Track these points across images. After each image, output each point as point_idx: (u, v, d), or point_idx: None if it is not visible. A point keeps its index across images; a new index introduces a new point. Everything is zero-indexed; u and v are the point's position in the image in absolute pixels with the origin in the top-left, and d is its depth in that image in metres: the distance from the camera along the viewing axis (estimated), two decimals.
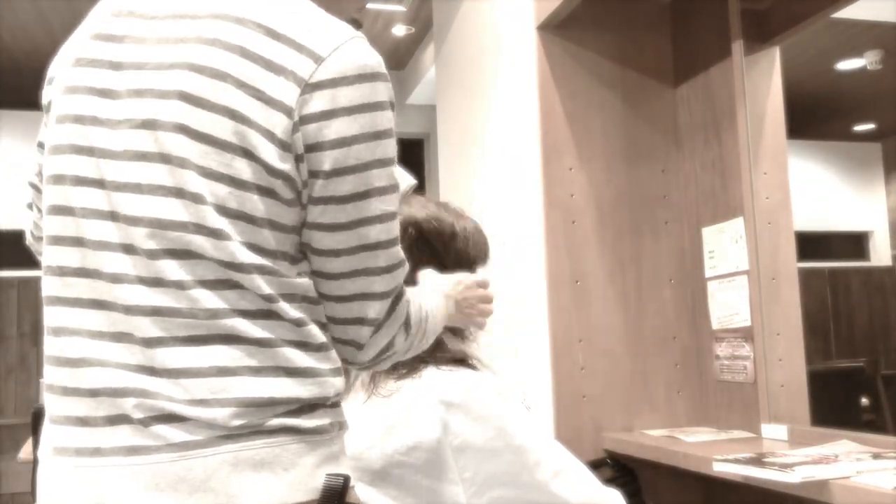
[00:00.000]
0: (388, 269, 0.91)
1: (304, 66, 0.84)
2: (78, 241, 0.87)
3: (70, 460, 0.85)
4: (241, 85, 0.83)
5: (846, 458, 1.34)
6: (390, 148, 0.88)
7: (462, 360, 1.32)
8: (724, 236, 1.86)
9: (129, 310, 0.84)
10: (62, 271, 0.88)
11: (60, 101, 0.91)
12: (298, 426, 0.85)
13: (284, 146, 0.83)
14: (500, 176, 2.28)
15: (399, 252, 0.92)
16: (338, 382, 0.89)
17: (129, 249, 0.85)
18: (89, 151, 0.87)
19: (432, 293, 1.13)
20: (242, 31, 0.85)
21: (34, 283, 0.96)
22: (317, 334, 0.88)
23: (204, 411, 0.82)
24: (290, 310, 0.86)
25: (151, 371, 0.83)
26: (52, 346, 0.88)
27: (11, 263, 5.29)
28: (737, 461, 1.37)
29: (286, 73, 0.83)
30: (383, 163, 0.87)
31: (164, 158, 0.84)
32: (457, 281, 1.24)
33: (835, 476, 1.21)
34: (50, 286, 0.89)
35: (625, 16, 2.02)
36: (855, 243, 3.39)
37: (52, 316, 0.89)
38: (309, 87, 0.83)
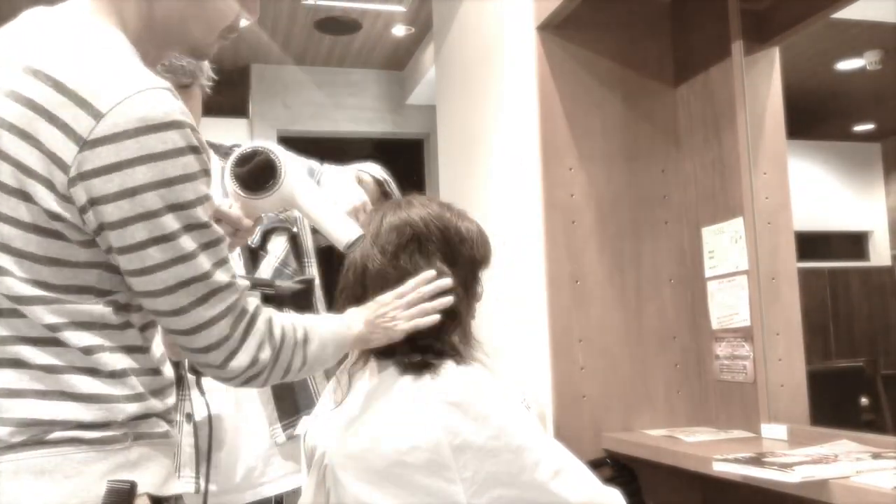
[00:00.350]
0: (212, 294, 0.94)
1: (83, 123, 0.86)
2: None
3: None
4: (25, 136, 0.87)
5: (846, 457, 1.34)
6: (188, 191, 0.90)
7: (472, 358, 1.33)
8: (723, 236, 1.86)
9: None
10: None
11: None
12: (83, 437, 0.89)
13: (64, 198, 0.87)
14: (500, 176, 2.28)
15: (220, 276, 0.95)
16: (131, 408, 0.93)
17: None
18: None
19: (331, 320, 1.18)
20: (35, 84, 0.88)
21: None
22: (109, 362, 0.92)
23: None
24: (78, 338, 0.90)
25: None
26: None
27: None
28: (736, 461, 1.37)
29: (66, 129, 0.86)
30: (180, 206, 0.90)
31: None
32: (374, 302, 1.26)
33: (834, 476, 1.21)
34: None
35: (625, 16, 2.02)
36: (854, 243, 3.40)
37: None
38: (88, 144, 0.86)
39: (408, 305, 1.26)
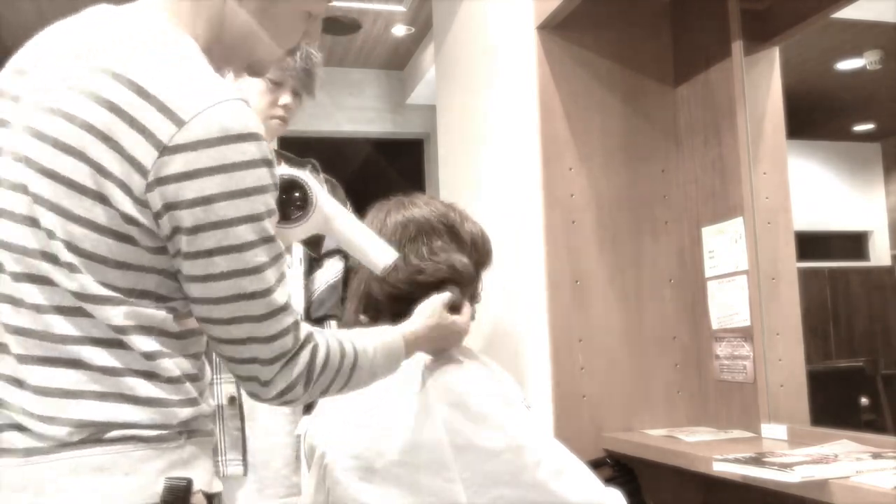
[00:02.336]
0: (270, 315, 0.95)
1: (165, 129, 0.87)
2: None
3: None
4: (105, 139, 0.88)
5: (846, 457, 1.34)
6: (260, 204, 0.91)
7: (472, 358, 1.33)
8: (724, 236, 1.86)
9: (3, 326, 0.92)
10: None
11: None
12: (139, 435, 0.90)
13: (140, 202, 0.88)
14: (499, 176, 2.28)
15: (281, 294, 0.95)
16: (184, 412, 0.94)
17: (1, 269, 0.92)
18: None
19: (387, 333, 1.17)
20: (117, 87, 0.89)
21: None
22: (168, 368, 0.93)
23: (47, 428, 0.88)
24: (141, 342, 0.91)
25: (19, 384, 0.90)
26: None
27: None
28: (737, 461, 1.37)
29: (146, 134, 0.87)
30: (252, 218, 0.91)
31: (27, 193, 0.90)
32: (428, 314, 1.28)
33: (835, 476, 1.21)
34: None
35: (625, 16, 2.02)
36: (855, 243, 3.40)
37: None
38: (167, 150, 0.87)
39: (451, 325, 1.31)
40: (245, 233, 0.90)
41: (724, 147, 1.86)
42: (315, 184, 1.25)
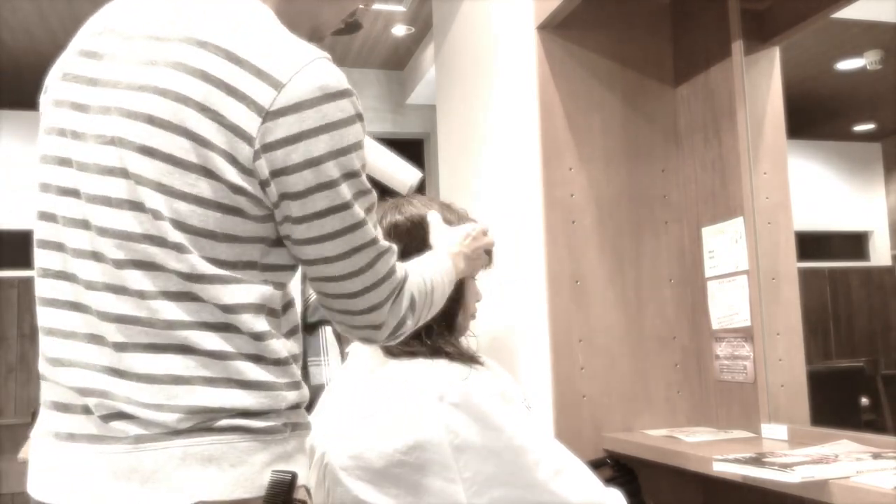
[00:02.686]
0: (379, 257, 0.96)
1: (264, 94, 0.86)
2: (59, 247, 0.93)
3: (51, 441, 0.92)
4: (203, 109, 0.86)
5: (846, 458, 1.34)
6: (357, 159, 0.92)
7: (472, 358, 1.33)
8: (724, 236, 1.86)
9: (101, 315, 0.89)
10: (46, 273, 0.94)
11: (48, 114, 0.97)
12: (248, 426, 0.89)
13: (246, 171, 0.86)
14: (500, 176, 2.28)
15: (381, 243, 0.98)
16: (291, 396, 0.93)
17: (98, 258, 0.89)
18: (68, 163, 0.92)
19: (438, 260, 1.21)
20: (205, 55, 0.87)
21: (34, 284, 1.01)
22: (276, 349, 0.92)
23: (156, 415, 0.87)
24: (251, 322, 0.90)
25: (119, 373, 0.88)
26: (42, 343, 0.95)
27: (11, 263, 5.29)
28: (737, 461, 1.37)
29: (247, 101, 0.85)
30: (353, 174, 0.91)
31: (126, 175, 0.88)
32: (464, 234, 1.35)
33: (835, 476, 1.21)
34: (39, 287, 0.95)
35: (625, 16, 2.02)
36: (855, 243, 3.40)
37: (40, 316, 0.95)
38: (270, 115, 0.86)
39: (486, 246, 1.40)
40: (348, 190, 0.91)
41: (724, 147, 1.86)
42: None
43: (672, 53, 2.04)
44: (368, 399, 1.28)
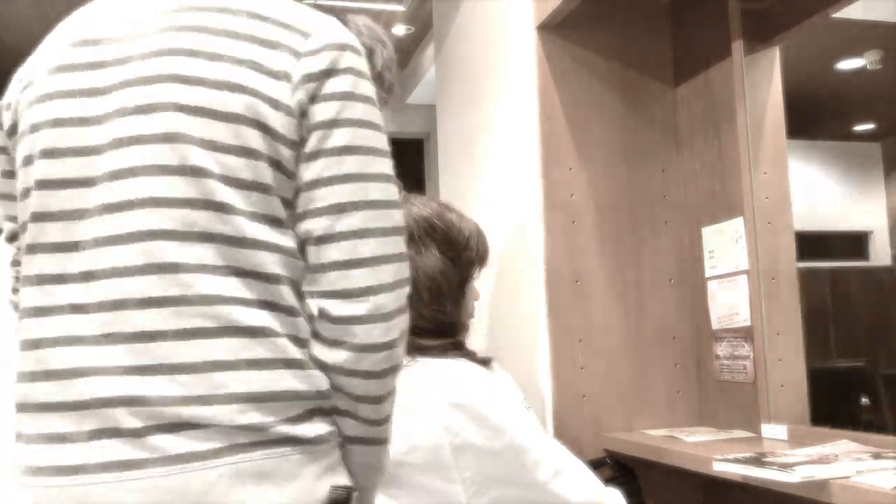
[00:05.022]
0: (393, 231, 0.89)
1: (295, 40, 0.88)
2: (57, 247, 0.85)
3: (49, 480, 0.80)
4: (239, 62, 0.86)
5: (846, 457, 1.34)
6: (380, 122, 0.93)
7: (481, 359, 1.33)
8: (724, 236, 1.86)
9: (119, 304, 0.80)
10: (41, 279, 0.85)
11: (30, 114, 0.90)
12: (299, 436, 0.83)
13: (289, 111, 0.86)
14: (499, 176, 2.28)
15: (401, 219, 0.91)
16: (324, 382, 0.87)
17: (119, 239, 0.82)
18: (76, 152, 0.86)
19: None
20: (228, 17, 0.88)
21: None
22: (304, 328, 0.88)
23: (203, 409, 0.78)
24: (289, 296, 0.86)
25: (144, 370, 0.79)
26: (28, 360, 0.84)
27: None
28: (737, 461, 1.37)
29: (280, 47, 0.88)
30: (376, 125, 0.92)
31: (163, 138, 0.83)
32: None
33: (835, 476, 1.21)
34: (28, 298, 0.86)
35: (625, 16, 2.02)
36: (855, 243, 3.39)
37: (28, 328, 0.85)
38: (304, 55, 0.88)
39: None
40: (371, 137, 0.90)
41: (724, 147, 1.86)
42: None
43: (672, 53, 2.04)
44: None
